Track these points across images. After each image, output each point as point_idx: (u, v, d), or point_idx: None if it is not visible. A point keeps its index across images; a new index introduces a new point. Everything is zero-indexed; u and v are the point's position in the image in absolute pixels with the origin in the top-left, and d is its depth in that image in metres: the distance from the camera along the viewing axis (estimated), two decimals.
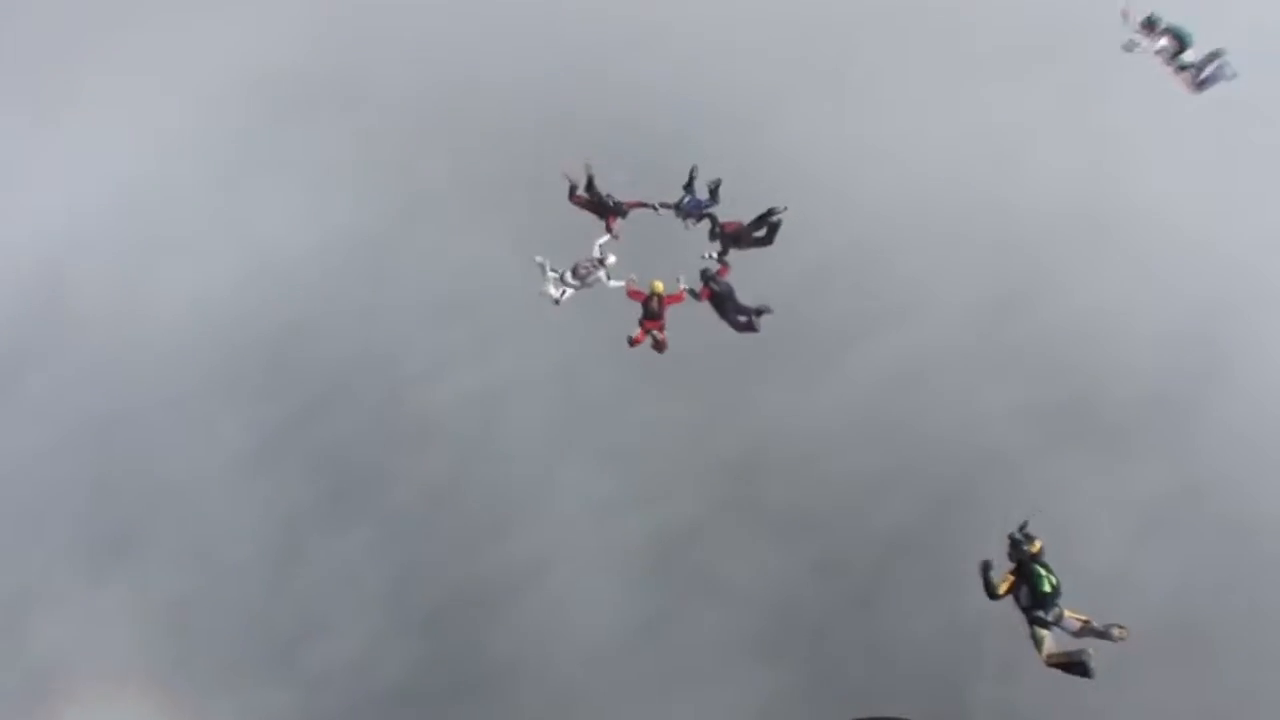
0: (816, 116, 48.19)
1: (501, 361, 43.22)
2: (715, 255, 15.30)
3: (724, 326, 19.17)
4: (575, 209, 15.92)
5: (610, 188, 19.22)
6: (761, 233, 15.73)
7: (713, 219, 16.61)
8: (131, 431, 47.26)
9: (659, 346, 15.87)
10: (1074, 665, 10.69)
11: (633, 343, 15.28)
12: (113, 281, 51.42)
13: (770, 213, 15.54)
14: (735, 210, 20.37)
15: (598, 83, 48.47)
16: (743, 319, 15.27)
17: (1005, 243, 41.43)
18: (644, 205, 16.26)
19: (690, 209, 16.94)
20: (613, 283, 15.49)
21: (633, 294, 15.01)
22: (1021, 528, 11.07)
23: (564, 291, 16.46)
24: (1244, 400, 37.61)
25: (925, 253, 43.02)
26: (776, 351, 42.79)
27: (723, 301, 15.08)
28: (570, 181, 15.35)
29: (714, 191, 16.52)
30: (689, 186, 16.87)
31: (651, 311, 15.36)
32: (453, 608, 39.02)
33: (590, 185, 15.79)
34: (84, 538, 45.38)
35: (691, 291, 15.55)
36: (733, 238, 16.36)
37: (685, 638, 35.83)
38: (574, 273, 16.40)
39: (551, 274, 16.24)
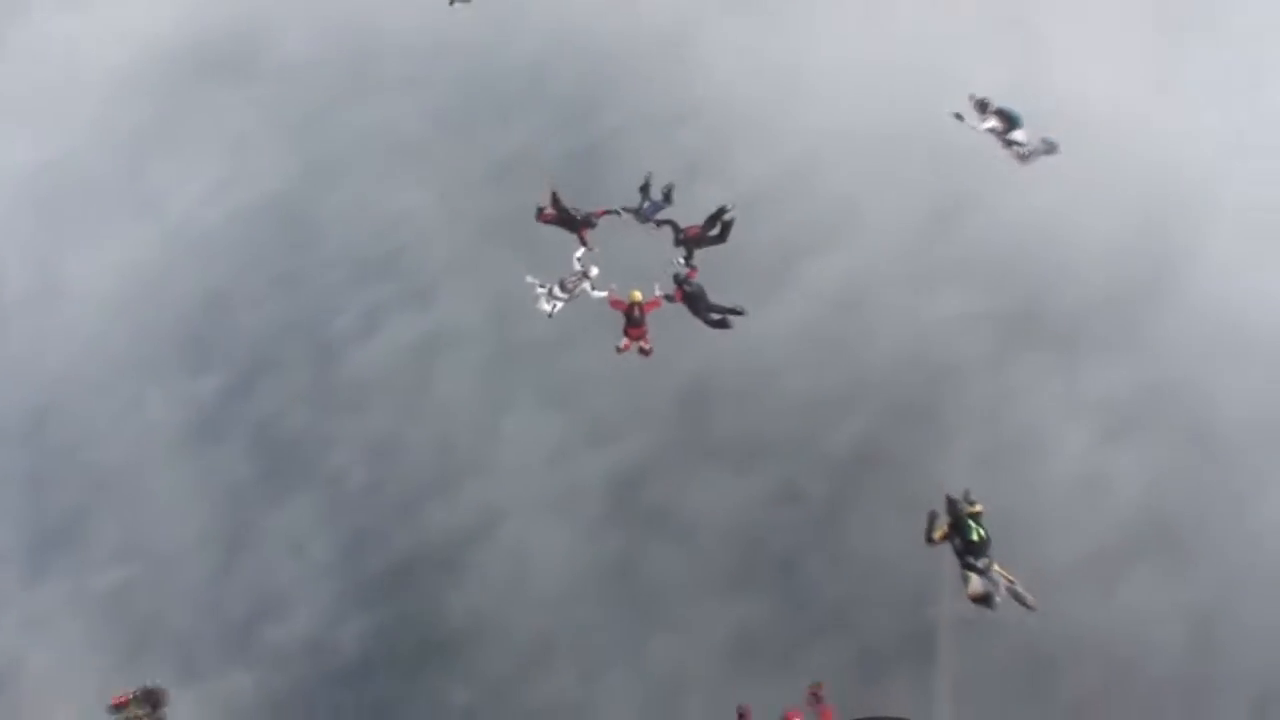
0: (741, 40, 44.64)
1: (434, 312, 40.02)
2: (683, 260, 15.62)
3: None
4: (544, 224, 16.32)
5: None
6: (715, 231, 15.96)
7: (674, 227, 16.52)
8: (59, 422, 43.81)
9: (645, 353, 16.06)
10: (987, 602, 11.72)
11: (620, 350, 15.58)
12: (26, 271, 47.00)
13: (721, 212, 15.72)
14: (687, 208, 19.55)
15: (513, 20, 44.62)
16: (715, 316, 15.54)
17: (938, 158, 38.76)
18: (609, 212, 16.22)
19: (649, 214, 16.67)
20: (596, 293, 15.75)
21: (615, 304, 15.25)
22: (965, 495, 12.12)
23: (555, 305, 16.45)
24: (1194, 300, 35.90)
25: (857, 171, 40.34)
26: (715, 279, 40.03)
27: (695, 301, 15.35)
28: (539, 204, 15.34)
29: (668, 195, 16.61)
30: (645, 190, 16.65)
31: (634, 319, 15.48)
32: (407, 570, 36.20)
33: (556, 201, 15.71)
34: (19, 534, 41.85)
35: (667, 296, 15.75)
36: (695, 241, 16.28)
37: (651, 577, 33.15)
38: (561, 286, 16.29)
39: (541, 290, 16.39)
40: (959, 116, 15.31)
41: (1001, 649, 29.56)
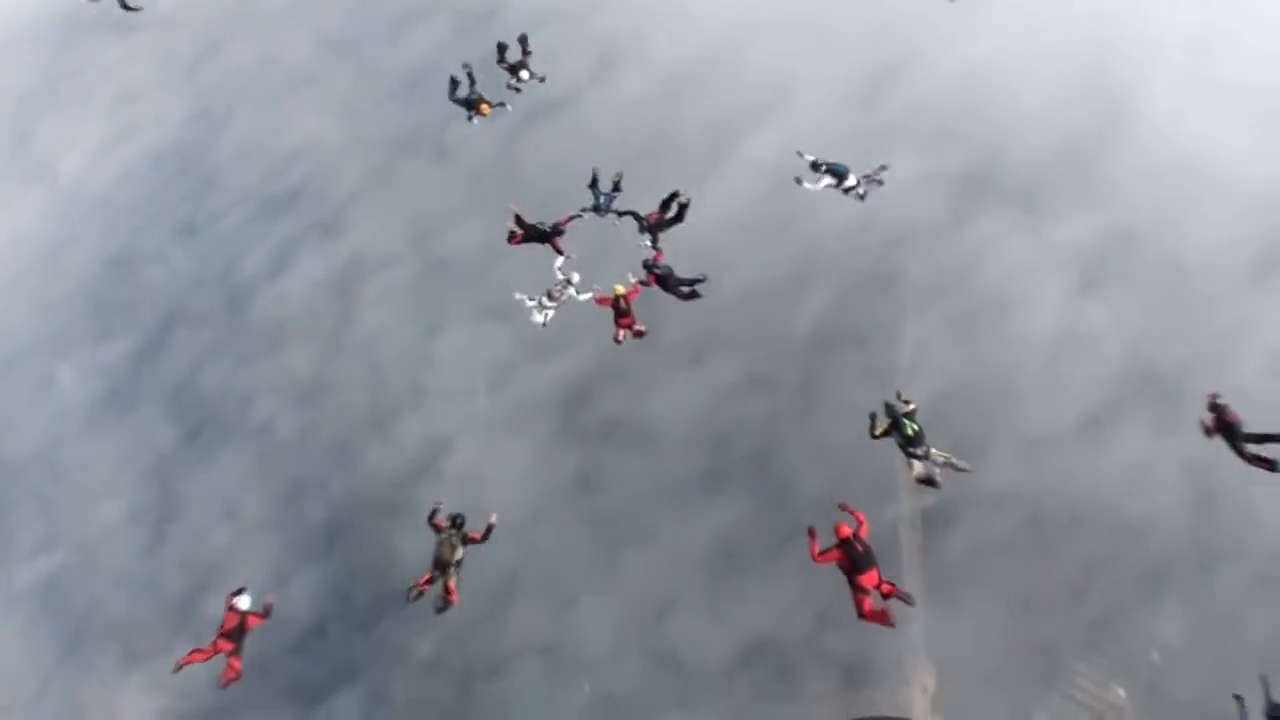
0: None
1: (350, 239, 33.60)
2: (650, 245, 14.71)
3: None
4: (517, 247, 14.72)
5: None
6: (673, 213, 15.16)
7: (636, 216, 15.70)
8: None
9: (639, 336, 15.08)
10: (929, 482, 11.87)
11: (618, 341, 14.48)
12: None
13: (674, 196, 15.04)
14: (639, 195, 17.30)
15: None
16: (685, 289, 14.78)
17: (867, 19, 32.74)
18: (572, 218, 15.24)
19: (607, 206, 15.87)
20: (582, 296, 14.70)
21: (601, 301, 14.48)
22: (897, 395, 12.17)
23: (546, 315, 15.36)
24: (1148, 143, 31.11)
25: (784, 41, 34.14)
26: (646, 169, 34.32)
27: (665, 280, 14.61)
28: (508, 228, 14.07)
29: (617, 184, 15.70)
30: (594, 185, 15.75)
31: (621, 310, 14.68)
32: (350, 519, 30.35)
33: (520, 222, 14.53)
34: None
35: (641, 282, 15.03)
36: (657, 226, 15.68)
37: (615, 492, 27.59)
38: (549, 296, 15.34)
39: (530, 304, 15.35)
40: (799, 180, 15.45)
41: (1005, 521, 26.21)
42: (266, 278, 33.91)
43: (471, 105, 15.90)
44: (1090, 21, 32.95)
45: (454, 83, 15.83)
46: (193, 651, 12.75)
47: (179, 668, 12.57)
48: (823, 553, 10.51)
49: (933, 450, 12.57)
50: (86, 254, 37.18)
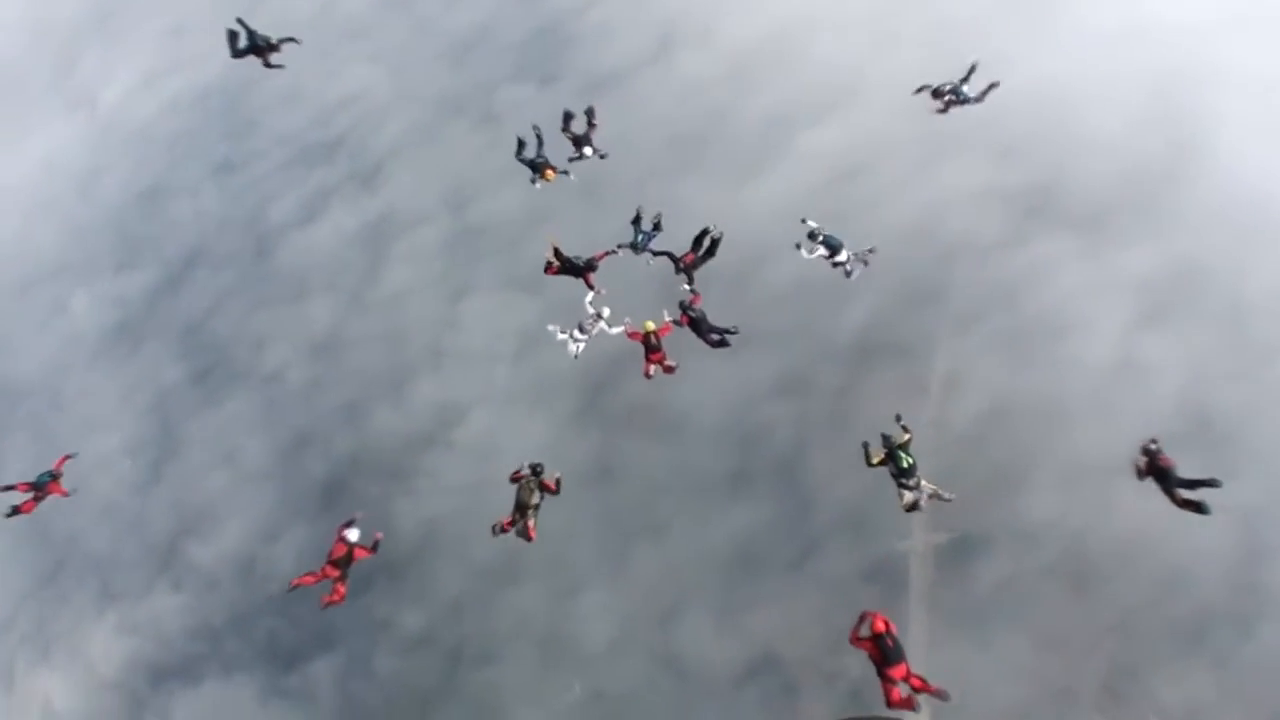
0: None
1: (385, 195, 31.01)
2: (688, 288, 14.62)
3: None
4: (553, 276, 14.80)
5: None
6: (706, 248, 14.97)
7: (672, 258, 15.45)
8: None
9: (669, 371, 15.06)
10: (915, 508, 11.89)
11: (648, 376, 14.51)
12: None
13: (704, 233, 14.83)
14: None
15: None
16: (715, 337, 14.66)
17: (940, 21, 30.01)
18: (609, 254, 15.29)
19: (644, 245, 15.61)
20: (614, 330, 14.59)
21: (632, 336, 14.51)
22: (898, 419, 12.37)
23: (579, 346, 14.98)
24: (1216, 178, 28.06)
25: (853, 35, 31.48)
26: (702, 153, 31.96)
27: (698, 324, 14.53)
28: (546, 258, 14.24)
29: (657, 224, 15.61)
30: (637, 223, 15.62)
31: (652, 345, 14.61)
32: (351, 478, 27.60)
33: (558, 254, 14.60)
34: None
35: (675, 321, 14.88)
36: (692, 266, 15.37)
37: (634, 482, 24.75)
38: (580, 329, 14.95)
39: (562, 336, 15.06)
40: (798, 246, 15.06)
41: (1042, 555, 23.36)
42: (296, 225, 31.56)
43: (537, 169, 16.07)
44: (1164, 50, 30.24)
45: (521, 143, 15.84)
46: (305, 575, 13.59)
47: (292, 588, 13.51)
48: (859, 639, 10.50)
49: (923, 482, 12.48)
50: (118, 184, 34.95)
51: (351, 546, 13.63)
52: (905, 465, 12.32)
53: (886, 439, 12.70)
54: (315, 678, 27.56)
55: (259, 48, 14.90)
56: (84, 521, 30.95)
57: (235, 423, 29.63)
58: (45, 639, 30.23)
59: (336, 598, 13.57)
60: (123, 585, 29.96)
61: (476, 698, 26.88)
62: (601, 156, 16.56)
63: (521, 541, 14.25)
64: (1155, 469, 12.63)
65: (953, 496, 12.75)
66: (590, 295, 15.72)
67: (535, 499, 13.76)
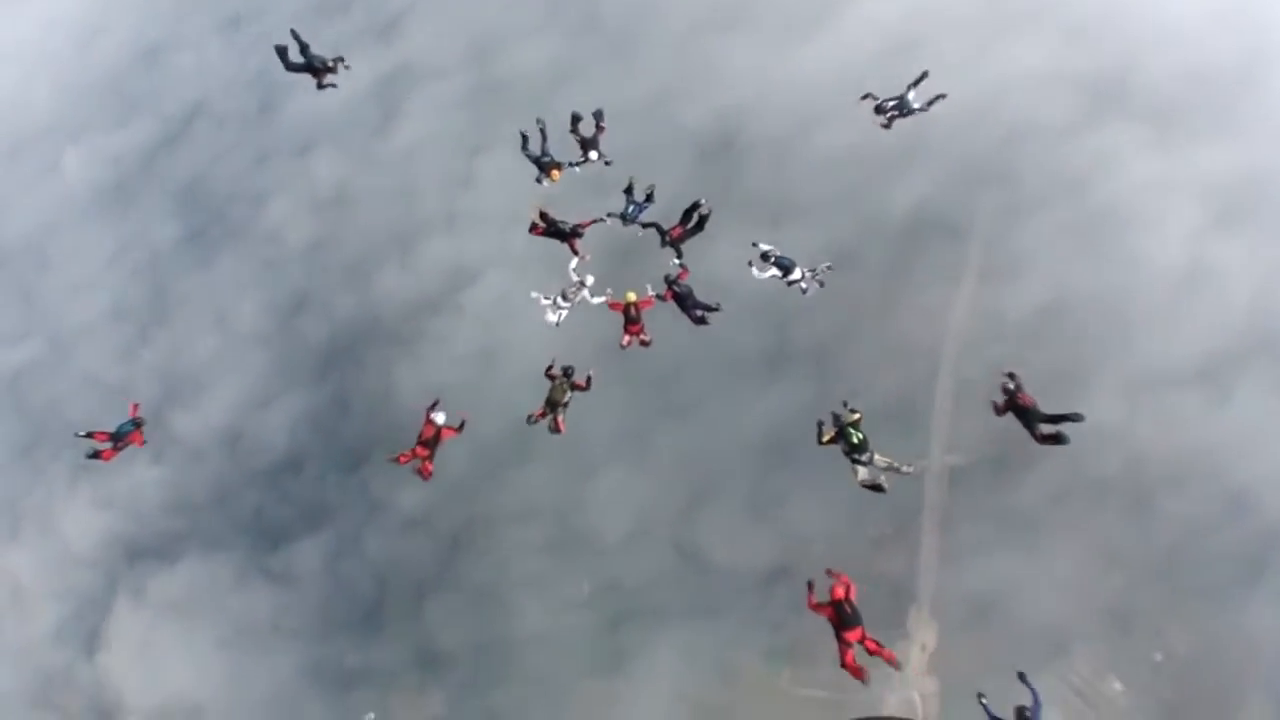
0: None
1: (402, 46, 26.59)
2: (676, 262, 13.61)
3: None
4: (538, 238, 13.71)
5: None
6: (694, 223, 13.93)
7: (659, 229, 14.25)
8: None
9: (645, 344, 13.69)
10: (875, 488, 11.25)
11: (624, 346, 13.44)
12: None
13: (695, 206, 13.85)
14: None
15: None
16: (698, 313, 13.46)
17: None
18: (596, 221, 13.94)
19: (634, 216, 14.27)
20: (595, 299, 13.51)
21: (613, 306, 13.53)
22: (845, 403, 11.44)
23: (560, 314, 13.85)
24: None
25: None
26: (750, 8, 27.46)
27: (683, 300, 13.41)
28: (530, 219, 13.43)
29: (649, 195, 14.20)
30: (629, 192, 14.17)
31: (631, 317, 13.40)
32: (353, 344, 23.22)
33: (544, 217, 13.59)
34: None
35: (658, 295, 13.52)
36: (680, 239, 14.16)
37: (663, 352, 19.84)
38: (563, 296, 13.89)
39: (545, 303, 13.84)
40: (750, 264, 13.58)
41: (1100, 465, 19.89)
42: (305, 78, 26.84)
43: (543, 168, 14.48)
44: None
45: (525, 138, 14.45)
46: (398, 455, 12.77)
47: (390, 460, 12.73)
48: (818, 605, 10.00)
49: (876, 456, 11.64)
50: (119, 41, 30.83)
51: (439, 428, 13.25)
52: (855, 441, 11.64)
53: (836, 417, 11.85)
54: (301, 558, 23.84)
55: (314, 67, 14.12)
56: (66, 389, 26.99)
57: (229, 284, 25.86)
58: (16, 514, 26.25)
59: (426, 473, 13.06)
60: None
61: (476, 587, 23.08)
62: (606, 163, 14.84)
63: (532, 417, 13.29)
64: (1014, 406, 11.86)
65: (911, 469, 11.76)
66: (575, 261, 14.38)
67: (566, 397, 13.26)
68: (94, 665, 24.29)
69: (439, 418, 13.26)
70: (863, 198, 24.07)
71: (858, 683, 9.79)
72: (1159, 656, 19.71)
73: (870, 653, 9.82)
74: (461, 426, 13.38)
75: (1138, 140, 24.34)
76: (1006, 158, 24.36)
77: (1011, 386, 11.62)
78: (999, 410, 11.80)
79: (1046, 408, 11.90)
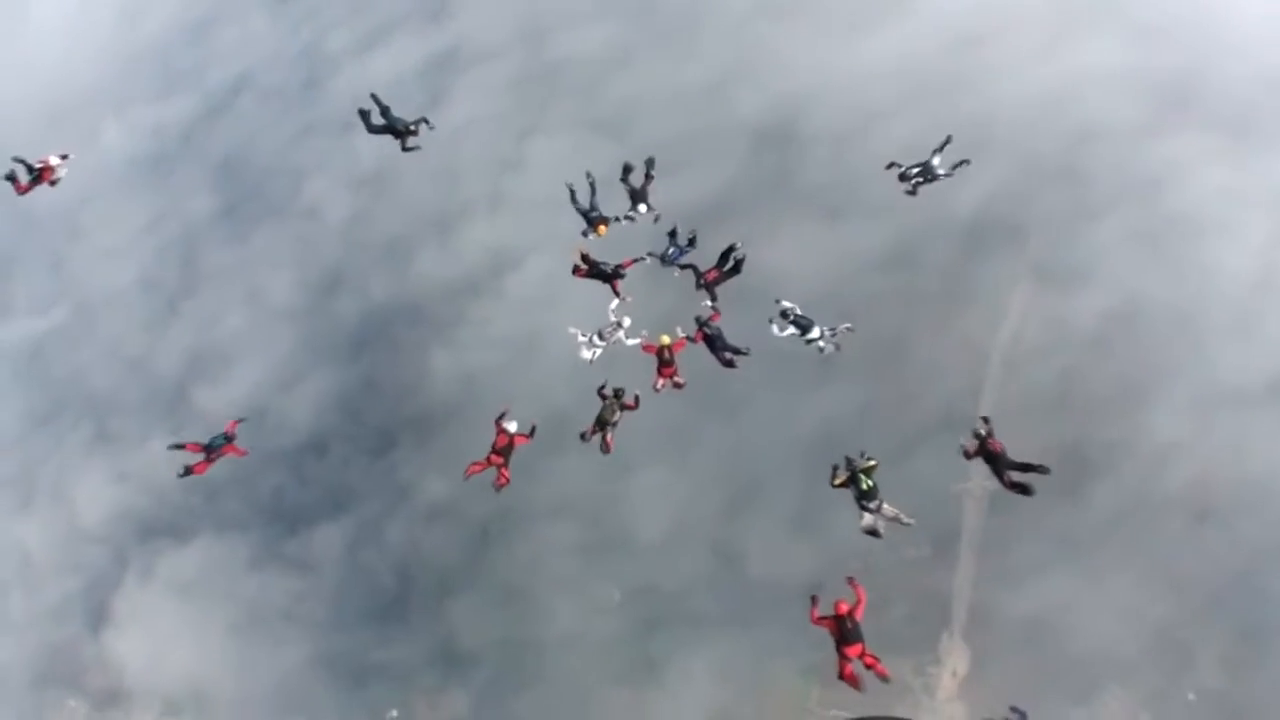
0: None
1: (455, 26, 25.27)
2: (709, 305, 13.01)
3: None
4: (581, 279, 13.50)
5: None
6: (730, 266, 13.39)
7: (696, 271, 13.68)
8: None
9: (678, 387, 13.18)
10: (873, 533, 10.87)
11: (657, 389, 12.87)
12: None
13: (731, 250, 13.29)
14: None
15: None
16: (727, 355, 12.98)
17: None
18: (636, 261, 13.56)
19: (674, 259, 13.74)
20: (630, 341, 13.23)
21: (647, 349, 13.10)
22: (862, 454, 11.01)
23: (595, 353, 13.45)
24: None
25: None
26: (809, 3, 25.95)
27: (713, 342, 12.96)
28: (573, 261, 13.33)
29: (692, 240, 13.65)
30: (673, 236, 13.66)
31: (665, 359, 12.92)
32: (387, 325, 21.74)
33: (586, 259, 13.43)
34: None
35: (689, 337, 13.05)
36: (715, 283, 13.63)
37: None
38: (599, 335, 13.52)
39: (582, 340, 13.52)
40: (771, 320, 12.98)
41: (1165, 482, 18.78)
42: (354, 54, 25.74)
43: (591, 224, 13.93)
44: None
45: (573, 191, 14.00)
46: (473, 464, 12.33)
47: (468, 476, 12.34)
48: (820, 619, 9.94)
49: (884, 505, 11.05)
50: (166, 10, 29.58)
51: (511, 436, 12.96)
52: (865, 488, 11.40)
53: (850, 461, 11.57)
54: (320, 545, 22.29)
55: (396, 130, 13.73)
56: (90, 358, 25.57)
57: (262, 260, 24.26)
58: (30, 485, 24.69)
59: (503, 481, 12.81)
60: (119, 429, 24.49)
61: (503, 584, 21.46)
62: (656, 218, 14.34)
63: (584, 435, 12.83)
64: (985, 452, 11.51)
65: (911, 521, 11.41)
66: (615, 303, 14.06)
67: (615, 417, 12.97)
68: (99, 643, 22.70)
69: (511, 426, 12.88)
70: (926, 194, 22.54)
71: (884, 705, 11.08)
72: (1192, 696, 18.22)
73: (867, 667, 9.83)
74: (533, 432, 13.00)
75: (1210, 147, 23.36)
76: (1074, 159, 22.97)
77: (983, 432, 11.33)
78: (968, 455, 11.47)
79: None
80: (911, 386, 20.71)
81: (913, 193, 13.52)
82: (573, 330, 13.71)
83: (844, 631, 9.83)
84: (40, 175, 12.57)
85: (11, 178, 12.29)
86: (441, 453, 21.51)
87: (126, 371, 25.14)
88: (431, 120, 13.37)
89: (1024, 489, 10.72)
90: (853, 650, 9.71)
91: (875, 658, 9.66)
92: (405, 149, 13.70)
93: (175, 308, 25.29)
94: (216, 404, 24.41)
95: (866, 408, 20.69)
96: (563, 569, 20.33)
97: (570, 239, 22.69)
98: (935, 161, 13.33)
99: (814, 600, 9.95)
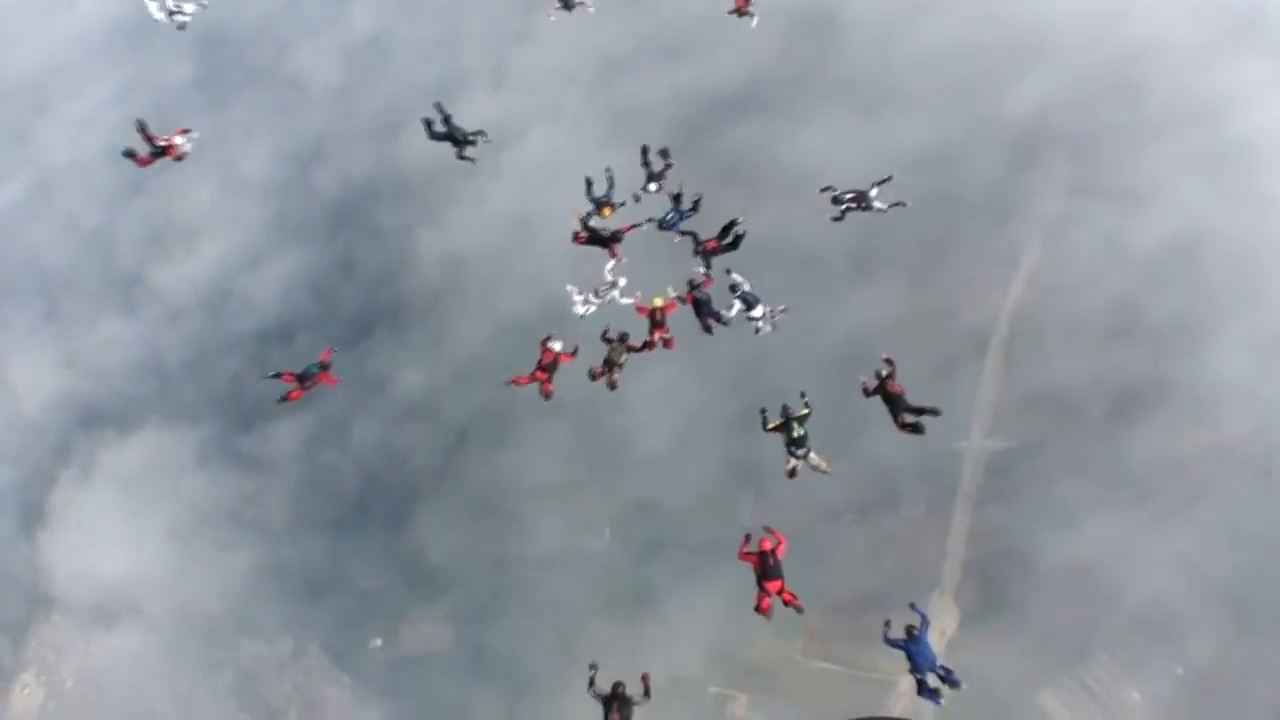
0: None
1: None
2: (702, 271, 12.23)
3: None
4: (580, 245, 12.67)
5: None
6: (729, 240, 12.56)
7: (695, 238, 12.71)
8: None
9: (667, 345, 12.03)
10: (792, 476, 10.57)
11: (648, 346, 11.92)
12: None
13: (733, 224, 12.37)
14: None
15: None
16: (710, 321, 12.16)
17: None
18: (635, 226, 12.60)
19: (673, 224, 12.81)
20: (624, 300, 12.42)
21: (640, 310, 12.28)
22: (801, 394, 10.70)
23: (589, 309, 12.58)
24: None
25: None
26: None
27: (700, 306, 12.23)
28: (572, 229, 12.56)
29: (695, 205, 12.77)
30: (677, 199, 12.78)
31: (656, 320, 12.19)
32: (369, 202, 17.94)
33: (585, 225, 12.63)
34: None
35: (679, 298, 12.35)
36: (712, 252, 12.72)
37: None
38: (595, 293, 12.66)
39: (578, 297, 12.46)
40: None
41: (1224, 425, 16.14)
42: None
43: (598, 206, 12.32)
44: None
45: (590, 182, 12.55)
46: (516, 377, 11.63)
47: (508, 384, 11.56)
48: (745, 554, 9.86)
49: (811, 454, 10.71)
50: None
51: (556, 354, 11.66)
52: (796, 435, 10.78)
53: (785, 409, 10.82)
54: (277, 441, 18.61)
55: (455, 139, 12.82)
56: (45, 233, 21.74)
57: (238, 126, 20.28)
58: None
59: (547, 394, 11.40)
60: (69, 310, 20.70)
61: (479, 496, 17.83)
62: (673, 195, 13.10)
63: (593, 373, 11.45)
64: (883, 391, 10.86)
65: (830, 470, 10.37)
66: (611, 263, 12.97)
67: (622, 358, 11.75)
68: (32, 542, 18.97)
69: (556, 345, 12.05)
70: (973, 97, 18.96)
71: (868, 662, 10.78)
72: (1180, 670, 16.56)
73: (785, 603, 9.72)
74: (575, 352, 12.00)
75: (1275, 74, 19.28)
76: (1131, 75, 19.27)
77: (884, 373, 10.94)
78: (867, 392, 11.11)
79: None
80: (946, 300, 17.21)
81: (839, 218, 12.59)
82: (570, 288, 12.59)
83: (766, 567, 9.99)
84: (165, 151, 11.14)
85: (131, 154, 10.99)
86: (419, 344, 17.89)
87: (82, 248, 21.35)
88: (489, 134, 12.65)
89: (915, 429, 10.44)
90: (773, 585, 9.89)
91: (793, 594, 9.69)
92: (461, 157, 12.81)
93: (140, 181, 21.43)
94: (175, 282, 20.75)
95: (899, 321, 17.09)
96: (550, 479, 16.66)
97: (580, 119, 19.03)
98: (873, 194, 12.46)
99: (746, 538, 9.88)
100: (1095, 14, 20.74)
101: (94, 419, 20.35)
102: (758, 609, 9.93)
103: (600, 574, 16.34)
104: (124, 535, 19.02)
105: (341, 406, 18.72)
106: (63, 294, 22.27)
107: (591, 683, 10.22)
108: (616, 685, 10.45)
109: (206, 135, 21.39)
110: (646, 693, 10.35)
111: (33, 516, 19.98)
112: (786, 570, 9.94)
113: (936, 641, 16.68)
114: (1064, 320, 17.65)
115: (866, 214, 13.11)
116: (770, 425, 11.12)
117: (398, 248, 18.72)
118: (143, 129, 11.10)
